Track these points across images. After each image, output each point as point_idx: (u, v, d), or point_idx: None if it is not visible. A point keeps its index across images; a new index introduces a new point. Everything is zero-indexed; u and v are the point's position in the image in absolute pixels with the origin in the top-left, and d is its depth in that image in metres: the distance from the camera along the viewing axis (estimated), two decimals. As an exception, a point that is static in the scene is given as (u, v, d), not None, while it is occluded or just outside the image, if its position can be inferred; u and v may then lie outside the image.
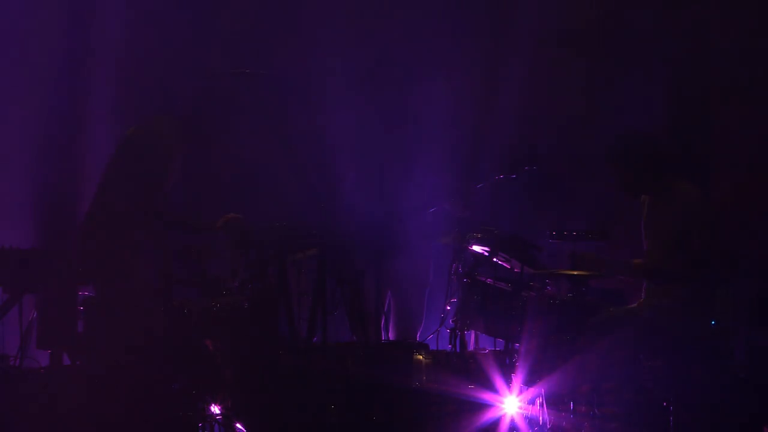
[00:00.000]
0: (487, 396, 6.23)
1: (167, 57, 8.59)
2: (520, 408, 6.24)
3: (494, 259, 6.43)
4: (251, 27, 8.69)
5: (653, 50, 8.68)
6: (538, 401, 6.23)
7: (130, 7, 8.68)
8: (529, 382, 6.26)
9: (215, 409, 6.12)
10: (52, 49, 8.57)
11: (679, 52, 8.61)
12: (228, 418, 6.09)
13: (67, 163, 8.63)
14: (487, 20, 8.77)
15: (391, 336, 7.13)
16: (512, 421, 6.23)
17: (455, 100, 8.66)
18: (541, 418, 6.21)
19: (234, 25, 8.70)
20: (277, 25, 8.73)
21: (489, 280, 6.40)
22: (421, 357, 6.22)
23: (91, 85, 8.70)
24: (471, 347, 6.48)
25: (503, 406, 6.23)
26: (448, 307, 6.41)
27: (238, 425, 6.06)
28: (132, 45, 8.65)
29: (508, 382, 6.25)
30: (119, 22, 8.67)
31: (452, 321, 6.38)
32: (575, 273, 6.32)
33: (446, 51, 8.71)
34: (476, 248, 6.46)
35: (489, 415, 6.21)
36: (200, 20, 8.66)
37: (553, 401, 6.19)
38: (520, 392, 6.27)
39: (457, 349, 6.30)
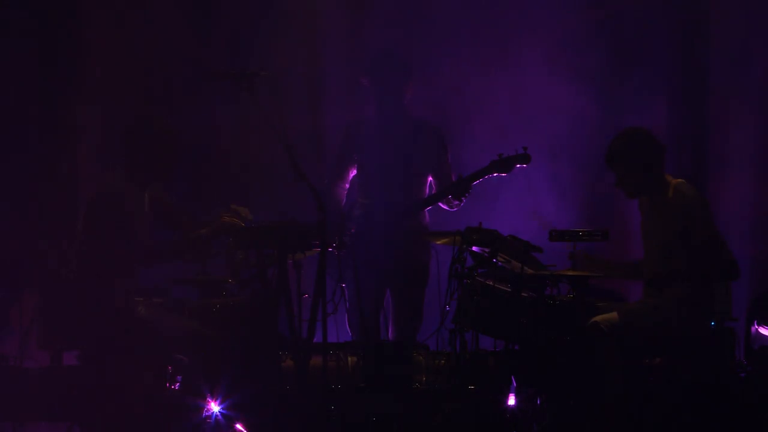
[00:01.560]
0: (486, 396, 6.23)
1: (167, 56, 8.59)
2: (519, 408, 6.24)
3: (494, 260, 6.43)
4: (251, 27, 8.69)
5: (653, 49, 8.68)
6: (537, 401, 6.24)
7: (130, 7, 8.68)
8: (529, 383, 6.25)
9: (215, 409, 6.12)
10: (51, 47, 8.57)
11: (679, 52, 8.62)
12: (228, 418, 6.09)
13: (66, 162, 8.63)
14: (486, 19, 8.77)
15: (391, 336, 7.13)
16: (512, 420, 6.23)
17: (455, 98, 8.66)
18: (540, 418, 6.21)
19: (234, 25, 8.71)
20: (277, 24, 8.73)
21: (489, 281, 6.40)
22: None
23: (91, 83, 8.70)
24: (471, 347, 6.47)
25: (502, 406, 6.23)
26: (448, 308, 6.40)
27: (238, 425, 6.06)
28: (132, 44, 8.65)
29: (508, 382, 6.25)
30: (118, 20, 8.67)
31: (452, 322, 6.38)
32: (575, 273, 6.32)
33: (446, 49, 8.71)
34: (476, 249, 6.45)
35: (487, 416, 6.21)
36: (200, 20, 8.67)
37: (553, 401, 6.19)
38: (520, 392, 6.27)
39: (457, 350, 6.30)
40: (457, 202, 7.18)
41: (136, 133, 6.27)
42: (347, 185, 7.37)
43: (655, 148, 6.36)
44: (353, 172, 7.35)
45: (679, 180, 6.39)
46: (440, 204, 7.26)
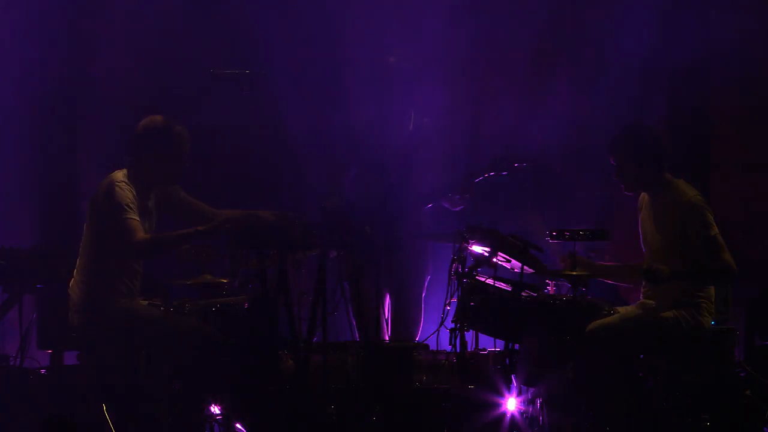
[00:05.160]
0: (487, 396, 6.22)
1: (167, 56, 8.60)
2: (520, 409, 6.24)
3: (494, 260, 6.43)
4: (250, 27, 8.69)
5: (653, 49, 8.68)
6: (537, 402, 6.23)
7: (130, 6, 8.68)
8: (529, 383, 6.25)
9: (215, 409, 6.12)
10: (51, 49, 8.58)
11: (679, 53, 8.62)
12: (228, 418, 6.09)
13: (67, 162, 8.64)
14: (485, 18, 8.77)
15: (390, 336, 7.13)
16: (512, 421, 6.23)
17: (453, 97, 8.67)
18: (540, 419, 6.21)
19: (234, 25, 8.71)
20: (277, 24, 8.73)
21: (489, 281, 6.40)
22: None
23: (91, 84, 8.70)
24: (471, 347, 6.47)
25: (503, 406, 6.23)
26: (448, 308, 6.40)
27: (238, 425, 6.06)
28: (132, 44, 8.65)
29: (508, 382, 6.25)
30: (119, 21, 8.68)
31: (452, 321, 6.38)
32: (575, 273, 6.32)
33: (445, 49, 8.72)
34: (476, 248, 6.45)
35: (489, 416, 6.20)
36: (200, 20, 8.67)
37: (552, 402, 6.19)
38: (520, 393, 6.27)
39: (457, 350, 6.30)
40: (459, 198, 7.20)
41: (149, 135, 6.29)
42: (350, 185, 7.38)
43: (657, 146, 6.37)
44: (356, 172, 7.36)
45: (680, 180, 6.39)
46: (443, 203, 7.27)
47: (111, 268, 6.18)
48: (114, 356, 6.12)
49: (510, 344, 6.34)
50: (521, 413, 6.23)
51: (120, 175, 6.23)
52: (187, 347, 6.14)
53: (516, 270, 6.44)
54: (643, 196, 6.48)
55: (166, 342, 6.12)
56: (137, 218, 6.11)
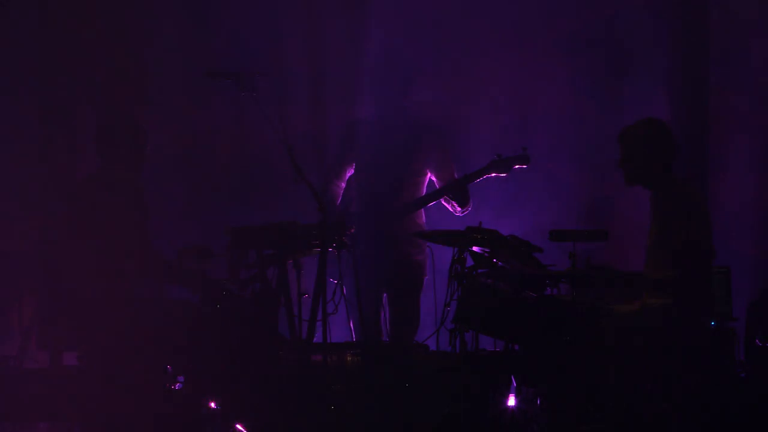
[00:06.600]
0: (486, 395, 6.23)
1: (166, 56, 8.60)
2: (520, 407, 6.24)
3: (494, 260, 6.43)
4: (251, 27, 8.70)
5: (653, 49, 8.68)
6: (537, 401, 6.24)
7: (130, 6, 8.69)
8: (528, 383, 6.26)
9: (215, 409, 6.13)
10: (50, 47, 8.58)
11: (679, 52, 8.62)
12: (228, 418, 6.09)
13: (66, 163, 8.64)
14: (485, 19, 8.77)
15: (389, 337, 7.13)
16: (512, 420, 6.23)
17: (454, 98, 8.67)
18: (540, 418, 6.21)
19: (234, 25, 8.71)
20: (277, 24, 8.73)
21: (489, 281, 6.40)
22: None
23: (91, 85, 8.70)
24: (471, 348, 6.47)
25: (503, 405, 6.23)
26: (448, 308, 6.40)
27: (238, 425, 6.06)
28: (132, 44, 8.65)
29: (508, 382, 6.26)
30: (119, 21, 8.68)
31: (452, 322, 6.38)
32: (575, 273, 6.32)
33: (445, 49, 8.72)
34: (476, 248, 6.46)
35: (489, 414, 6.21)
36: (200, 20, 8.67)
37: (552, 401, 6.20)
38: (520, 392, 6.27)
39: (457, 350, 6.30)
40: (460, 209, 7.20)
41: (107, 130, 6.37)
42: (343, 184, 7.38)
43: (667, 144, 6.38)
44: (350, 172, 7.36)
45: (683, 179, 6.40)
46: (448, 207, 7.27)
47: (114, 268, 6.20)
48: (115, 355, 6.13)
49: (510, 345, 6.34)
50: (521, 413, 6.23)
51: (99, 171, 6.32)
52: (187, 347, 6.14)
53: (516, 270, 6.43)
54: (649, 196, 6.49)
55: (165, 341, 6.13)
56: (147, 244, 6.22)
